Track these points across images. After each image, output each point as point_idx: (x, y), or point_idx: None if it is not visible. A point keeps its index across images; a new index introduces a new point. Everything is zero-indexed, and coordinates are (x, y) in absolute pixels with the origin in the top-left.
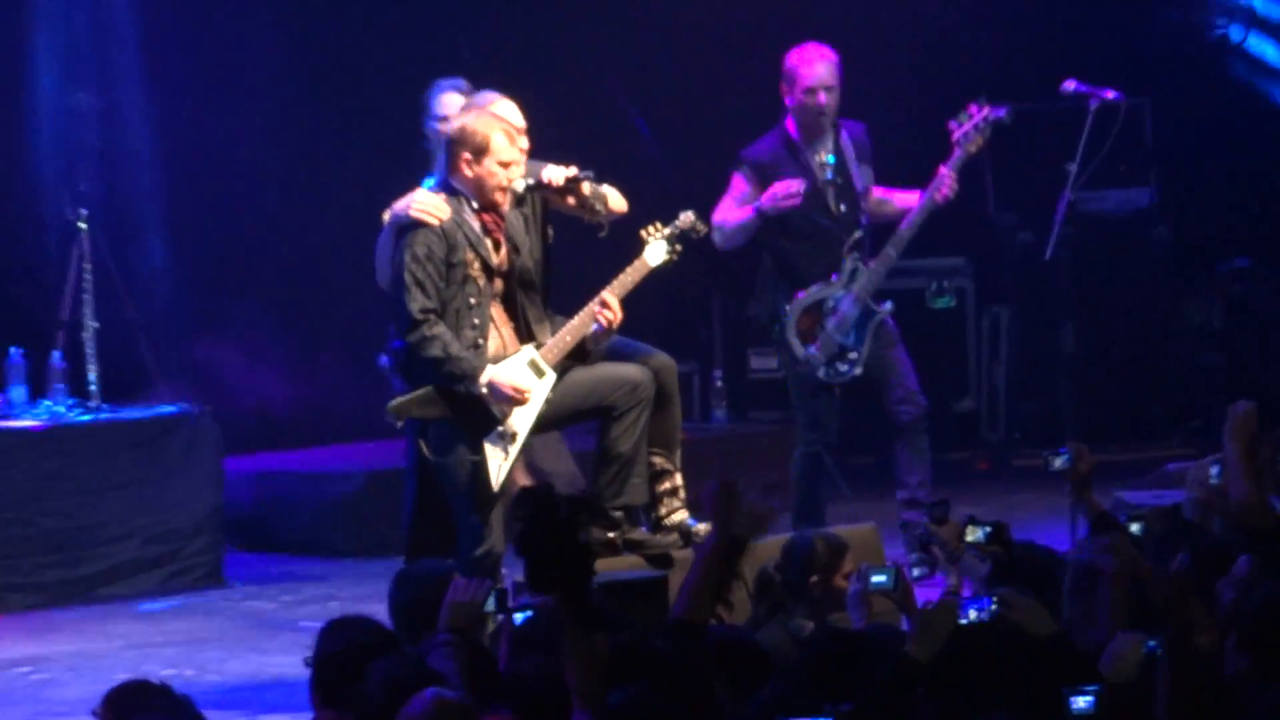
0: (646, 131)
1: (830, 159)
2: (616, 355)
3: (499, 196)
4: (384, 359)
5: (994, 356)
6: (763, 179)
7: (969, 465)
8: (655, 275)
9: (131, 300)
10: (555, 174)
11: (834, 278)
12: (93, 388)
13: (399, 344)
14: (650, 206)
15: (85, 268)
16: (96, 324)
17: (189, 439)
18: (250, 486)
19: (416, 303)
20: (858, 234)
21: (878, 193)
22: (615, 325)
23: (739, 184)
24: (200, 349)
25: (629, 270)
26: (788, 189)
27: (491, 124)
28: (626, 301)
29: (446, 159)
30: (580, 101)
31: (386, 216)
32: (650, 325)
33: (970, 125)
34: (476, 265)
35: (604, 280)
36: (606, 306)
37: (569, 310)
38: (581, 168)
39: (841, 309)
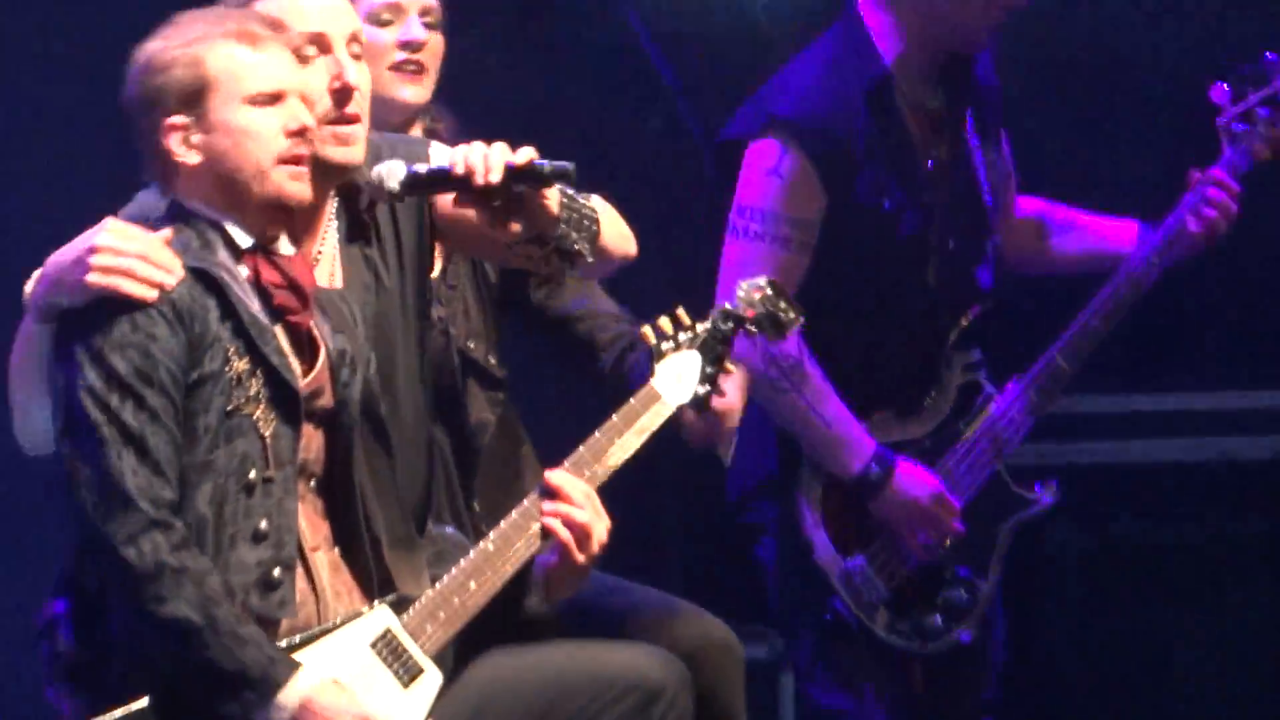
0: (675, 83)
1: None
2: (605, 618)
3: (289, 187)
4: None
5: None
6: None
7: None
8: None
9: None
10: (486, 158)
11: (919, 409)
12: None
13: (63, 603)
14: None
15: None
16: None
17: None
18: None
19: (132, 484)
20: (973, 312)
21: (1030, 208)
22: (593, 546)
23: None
24: None
25: (617, 420)
26: None
27: (198, 32)
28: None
29: (143, 150)
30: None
31: (29, 287)
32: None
33: (1257, 100)
34: (255, 385)
35: (570, 430)
36: (565, 500)
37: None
38: (545, 156)
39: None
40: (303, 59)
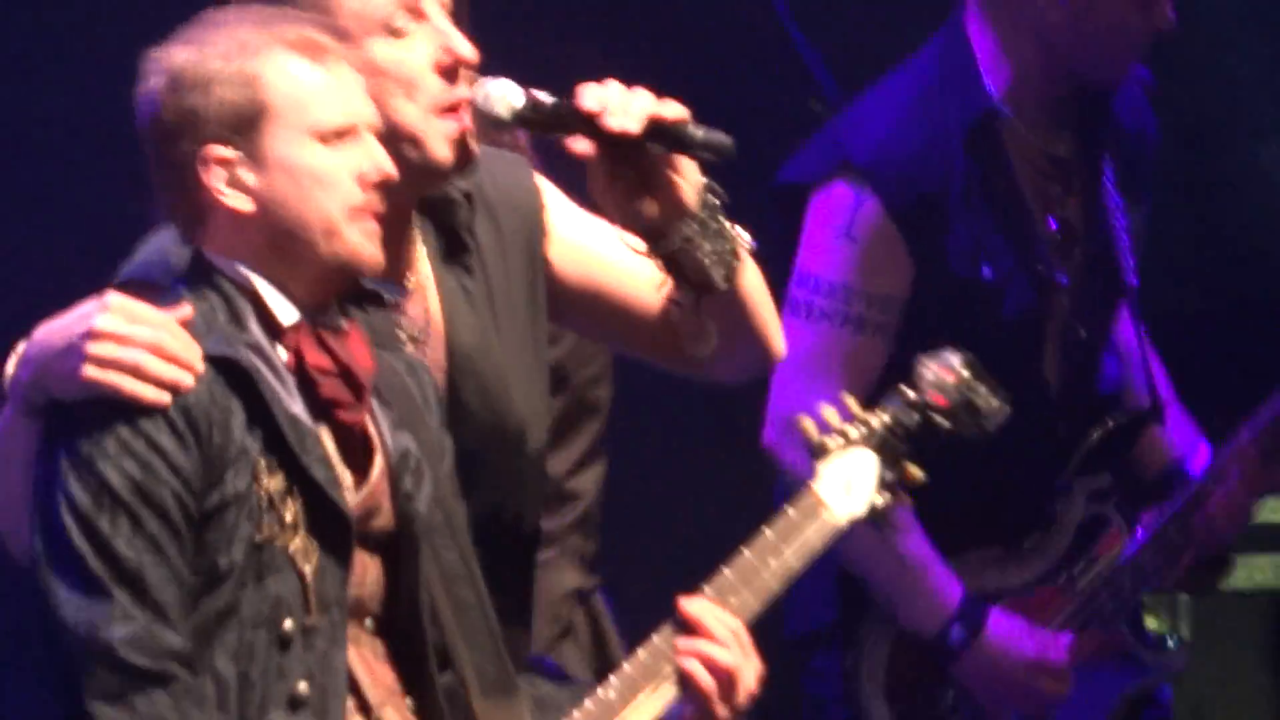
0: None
1: None
2: None
3: (366, 250)
4: None
5: None
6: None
7: None
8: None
9: None
10: (626, 101)
11: (1024, 550)
12: None
13: None
14: None
15: None
16: None
17: None
18: None
19: (124, 632)
20: (1107, 425)
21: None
22: (739, 695)
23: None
24: None
25: (777, 528)
26: None
27: (248, 37)
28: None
29: (165, 207)
30: None
31: (9, 368)
32: None
33: None
34: (292, 509)
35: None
36: (706, 637)
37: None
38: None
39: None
40: (394, 33)
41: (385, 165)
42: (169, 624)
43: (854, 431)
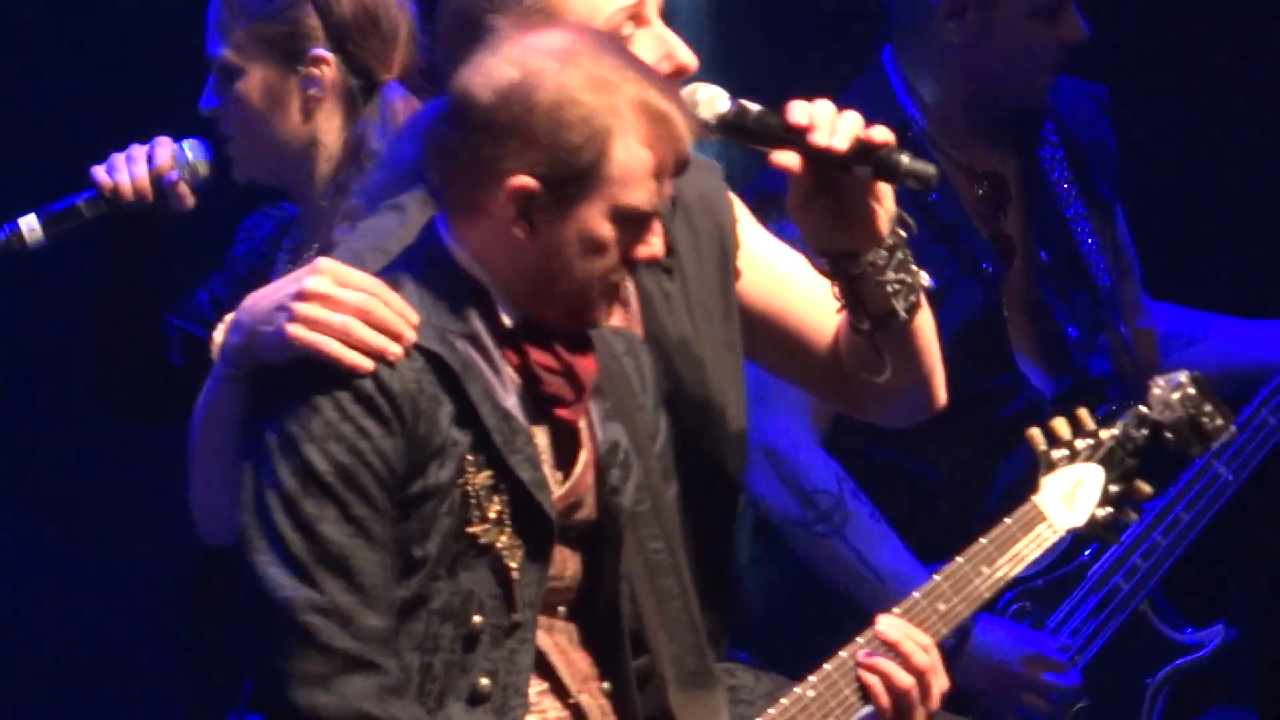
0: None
1: None
2: None
3: (602, 318)
4: None
5: None
6: None
7: None
8: None
9: None
10: (835, 119)
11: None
12: None
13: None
14: None
15: None
16: None
17: None
18: None
19: (330, 616)
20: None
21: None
22: (918, 716)
23: None
24: None
25: (994, 537)
26: None
27: (614, 75)
28: None
29: (443, 178)
30: None
31: (218, 336)
32: None
33: None
34: (498, 506)
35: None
36: (898, 653)
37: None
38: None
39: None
40: (621, 38)
41: (659, 251)
42: (375, 609)
43: (1081, 445)
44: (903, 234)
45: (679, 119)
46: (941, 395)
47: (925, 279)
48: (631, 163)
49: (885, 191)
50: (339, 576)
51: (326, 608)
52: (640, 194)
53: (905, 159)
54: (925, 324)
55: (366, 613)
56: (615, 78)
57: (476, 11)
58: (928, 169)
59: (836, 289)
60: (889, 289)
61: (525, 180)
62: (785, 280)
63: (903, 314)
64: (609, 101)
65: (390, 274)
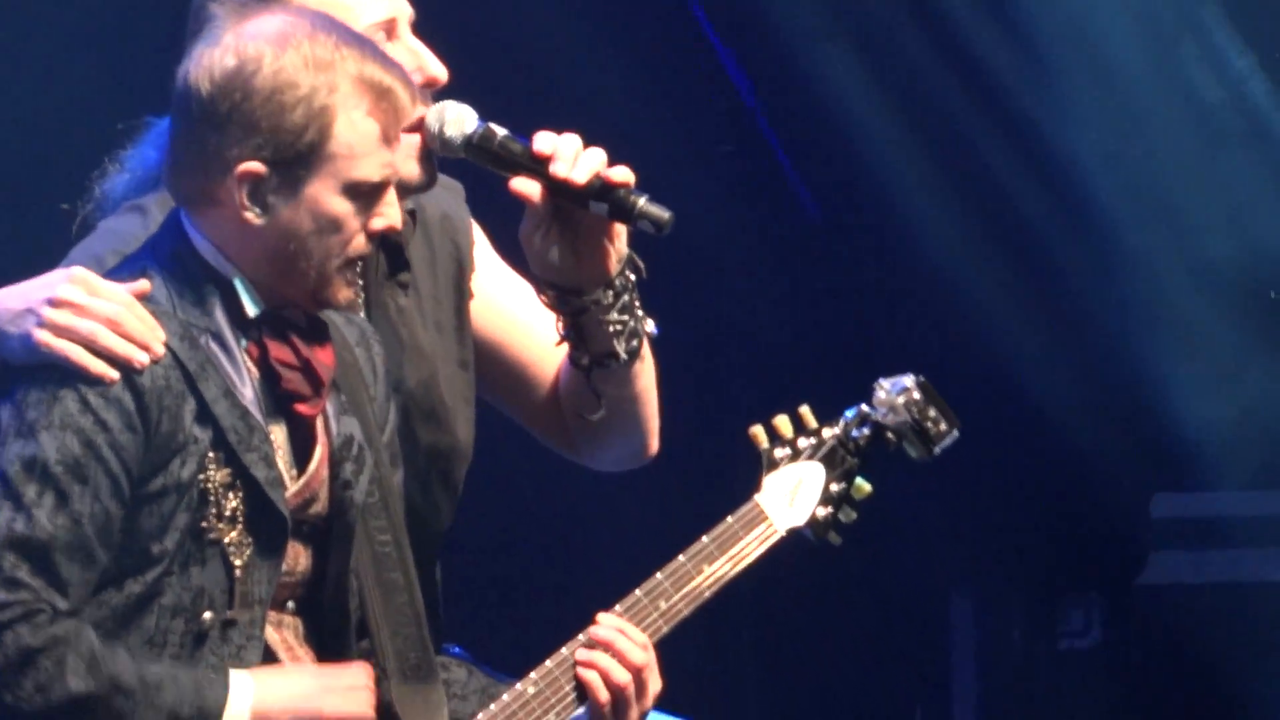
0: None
1: None
2: None
3: (344, 295)
4: None
5: None
6: None
7: None
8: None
9: None
10: (578, 153)
11: None
12: None
13: None
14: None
15: None
16: None
17: None
18: None
19: (8, 579)
20: None
21: None
22: (632, 715)
23: None
24: None
25: (716, 536)
26: None
27: (328, 54)
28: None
29: (174, 172)
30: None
31: None
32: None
33: None
34: (232, 504)
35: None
36: (613, 653)
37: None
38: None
39: None
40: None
41: (396, 221)
42: (61, 594)
43: (804, 444)
44: (632, 277)
45: (401, 89)
46: (654, 445)
47: (650, 325)
48: (357, 137)
49: (619, 231)
50: (32, 565)
51: (8, 575)
52: (369, 166)
53: (641, 201)
54: (646, 370)
55: (52, 594)
56: (333, 56)
57: (203, 6)
58: (663, 214)
59: (560, 323)
60: (612, 329)
61: (252, 165)
62: (512, 310)
63: (623, 355)
64: (328, 80)
65: (137, 266)
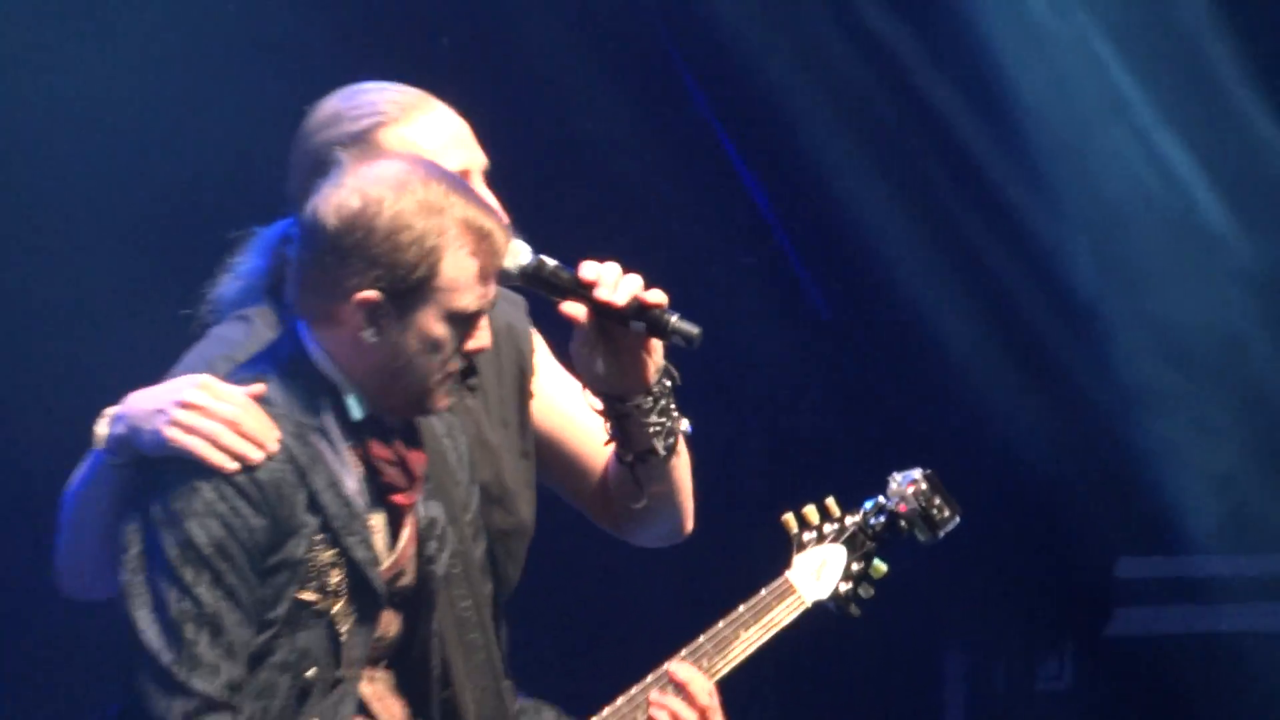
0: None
1: None
2: None
3: (437, 400)
4: None
5: None
6: None
7: None
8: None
9: None
10: (618, 278)
11: None
12: None
13: None
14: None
15: None
16: None
17: None
18: None
19: (201, 674)
20: None
21: None
22: None
23: None
24: None
25: (746, 610)
26: None
27: (439, 199)
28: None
29: (300, 290)
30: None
31: (102, 431)
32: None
33: None
34: (336, 578)
35: (688, 620)
36: (685, 695)
37: (595, 688)
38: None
39: None
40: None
41: (487, 343)
42: (235, 660)
43: (829, 528)
44: (668, 383)
45: (498, 233)
46: (689, 526)
47: (685, 425)
48: (460, 273)
49: (656, 345)
50: (211, 635)
51: (197, 658)
52: (469, 298)
53: (674, 319)
54: (682, 464)
55: (229, 664)
56: (443, 202)
57: (325, 149)
58: (693, 330)
59: (607, 425)
60: (651, 430)
61: (370, 294)
62: (567, 410)
63: (661, 452)
64: (439, 223)
65: (256, 370)
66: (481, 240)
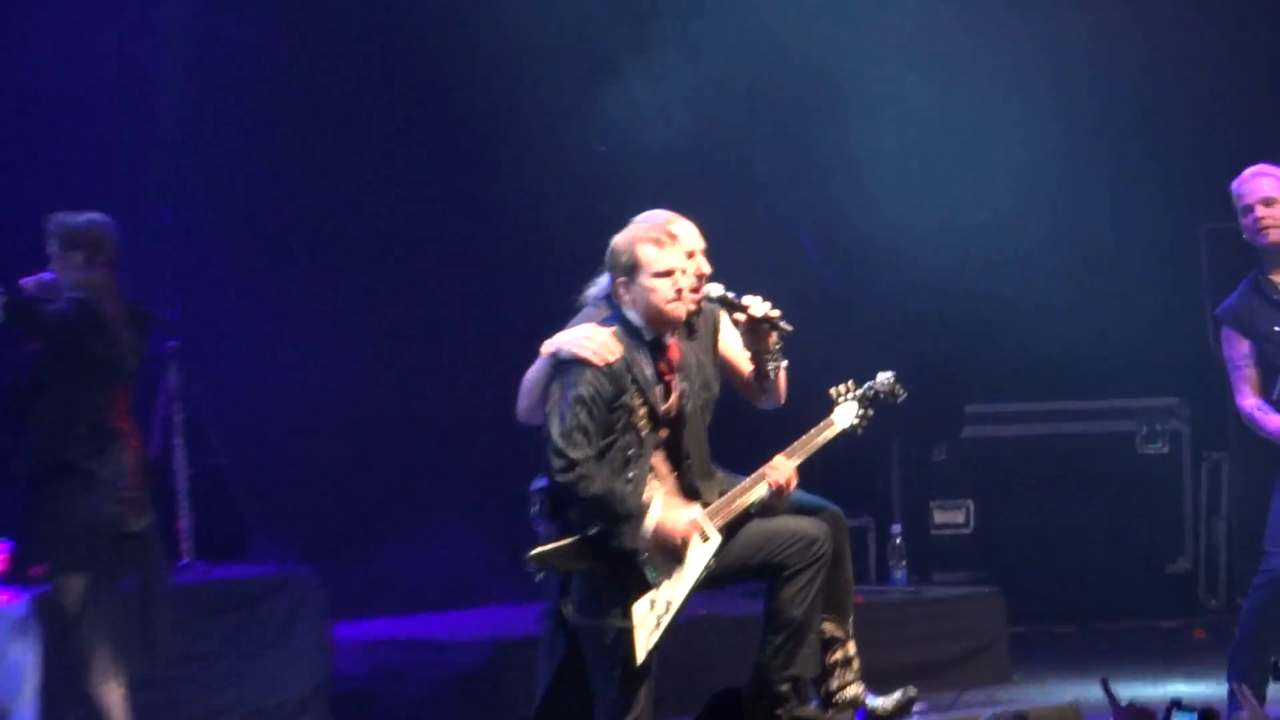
0: (815, 253)
1: None
2: (796, 510)
3: (673, 311)
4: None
5: (1213, 510)
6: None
7: (1184, 634)
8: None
9: (225, 443)
10: (756, 302)
11: None
12: (183, 544)
13: (545, 483)
14: (827, 359)
15: (174, 406)
16: (188, 470)
17: (292, 603)
18: (362, 657)
19: (577, 449)
20: None
21: None
22: (788, 493)
23: (1236, 346)
24: (304, 500)
25: (813, 432)
26: None
27: (636, 235)
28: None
29: (610, 290)
30: (747, 220)
31: (546, 349)
32: (816, 470)
33: None
34: (642, 412)
35: (782, 439)
36: (779, 470)
37: (743, 468)
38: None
39: None
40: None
41: (683, 284)
42: (591, 444)
43: (848, 395)
44: (778, 345)
45: (663, 235)
46: (783, 399)
47: (784, 362)
48: (647, 254)
49: (774, 333)
50: (580, 433)
51: (574, 442)
52: (659, 264)
53: (784, 321)
54: (781, 380)
55: (589, 448)
56: (639, 230)
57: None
58: (788, 327)
59: (750, 360)
60: (770, 366)
61: (620, 279)
62: (734, 351)
63: (770, 375)
64: (634, 240)
65: (611, 322)
66: (656, 238)
